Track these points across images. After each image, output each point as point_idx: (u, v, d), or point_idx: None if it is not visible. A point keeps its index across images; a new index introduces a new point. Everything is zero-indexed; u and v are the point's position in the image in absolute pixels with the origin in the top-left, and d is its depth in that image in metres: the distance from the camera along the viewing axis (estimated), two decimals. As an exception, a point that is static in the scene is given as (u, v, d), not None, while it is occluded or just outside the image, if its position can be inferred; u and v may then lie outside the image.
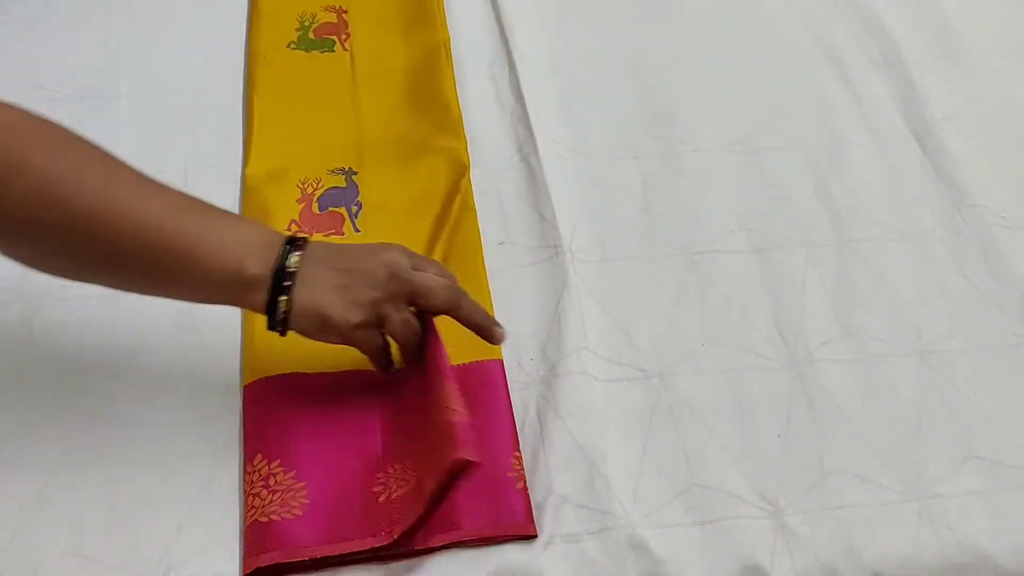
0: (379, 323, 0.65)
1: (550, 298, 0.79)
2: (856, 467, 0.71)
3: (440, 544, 0.65)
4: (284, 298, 0.62)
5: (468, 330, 0.69)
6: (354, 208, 0.83)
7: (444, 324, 0.70)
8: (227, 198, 0.82)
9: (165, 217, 0.61)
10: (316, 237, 0.78)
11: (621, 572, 0.65)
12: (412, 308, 0.67)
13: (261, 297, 0.62)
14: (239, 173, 0.85)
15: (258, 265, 0.62)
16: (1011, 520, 0.69)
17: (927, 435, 0.73)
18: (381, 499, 0.66)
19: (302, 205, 0.82)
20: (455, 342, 0.71)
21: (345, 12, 0.99)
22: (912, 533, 0.68)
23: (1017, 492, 0.70)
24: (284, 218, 0.81)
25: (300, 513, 0.65)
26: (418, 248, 0.77)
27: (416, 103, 0.92)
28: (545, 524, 0.67)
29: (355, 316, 0.63)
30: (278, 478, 0.66)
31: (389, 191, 0.84)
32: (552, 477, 0.69)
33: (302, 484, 0.66)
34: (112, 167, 0.61)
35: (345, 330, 0.64)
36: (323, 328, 0.64)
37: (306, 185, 0.84)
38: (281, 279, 0.62)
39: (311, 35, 0.97)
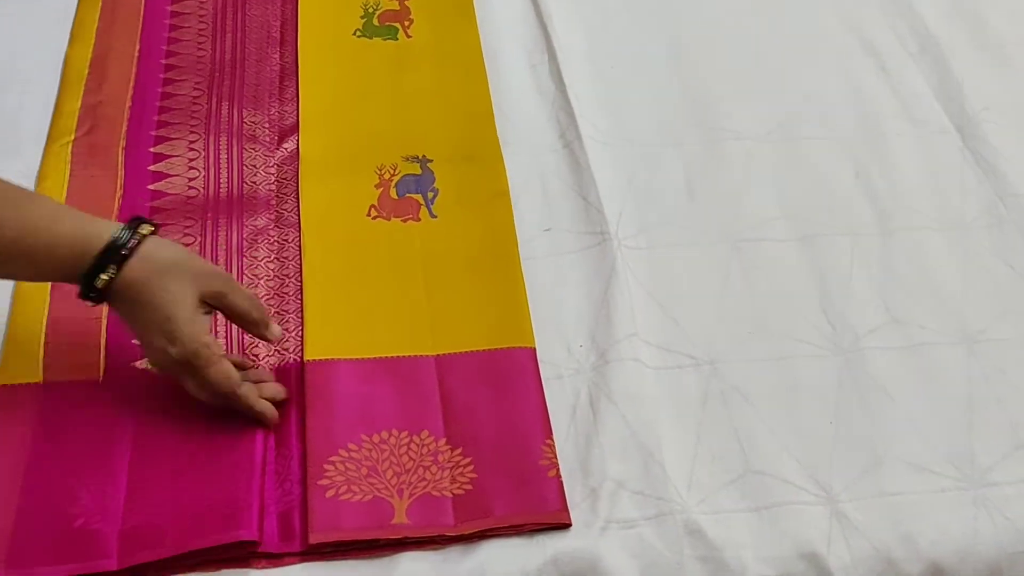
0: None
1: (598, 284, 0.79)
2: (908, 454, 0.71)
3: (471, 531, 0.65)
4: (102, 277, 0.63)
5: (499, 316, 0.73)
6: (430, 195, 0.84)
7: (471, 308, 0.73)
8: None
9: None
10: (394, 222, 0.82)
11: (678, 557, 0.65)
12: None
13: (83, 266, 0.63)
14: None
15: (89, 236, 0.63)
16: (1066, 507, 0.69)
17: (977, 422, 0.73)
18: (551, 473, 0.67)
19: (380, 191, 0.84)
20: (488, 326, 0.72)
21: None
22: (968, 521, 0.68)
23: (1070, 479, 0.70)
24: (364, 203, 0.83)
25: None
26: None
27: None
28: (601, 510, 0.66)
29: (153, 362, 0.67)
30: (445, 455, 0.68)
31: (461, 180, 0.85)
32: (607, 463, 0.68)
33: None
34: None
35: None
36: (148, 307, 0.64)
37: (383, 171, 0.85)
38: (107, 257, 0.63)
39: (375, 21, 0.97)
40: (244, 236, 0.81)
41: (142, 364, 0.72)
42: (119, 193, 0.82)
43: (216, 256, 0.79)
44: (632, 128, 0.91)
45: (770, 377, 0.75)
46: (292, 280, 0.78)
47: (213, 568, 0.63)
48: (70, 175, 0.83)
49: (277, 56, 0.95)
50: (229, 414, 0.68)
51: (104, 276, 0.63)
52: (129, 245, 0.63)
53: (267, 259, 0.80)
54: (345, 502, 0.65)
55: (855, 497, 0.69)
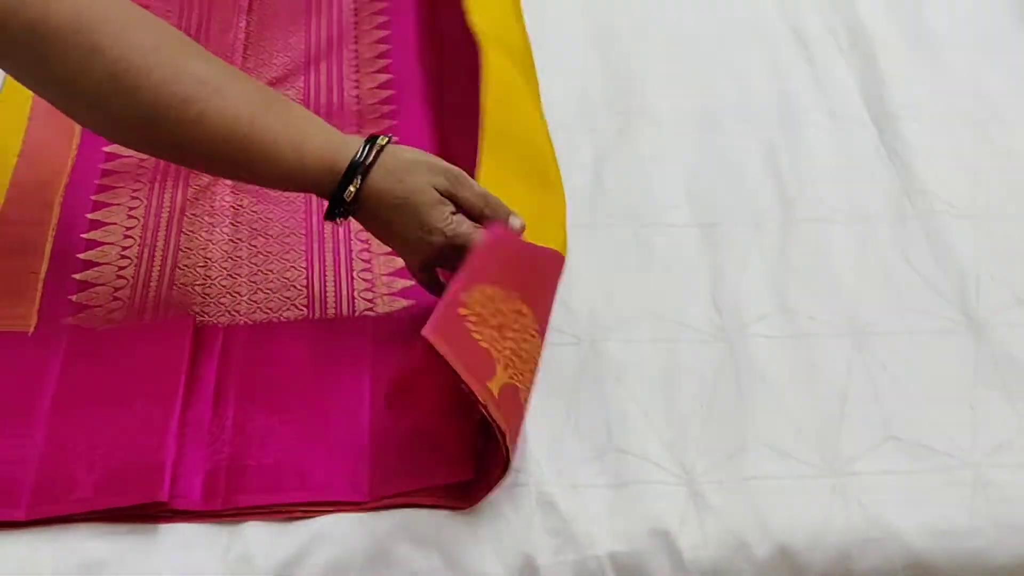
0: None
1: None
2: (775, 440, 0.71)
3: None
4: (351, 189, 0.67)
5: None
6: None
7: None
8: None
9: (239, 107, 0.65)
10: None
11: (528, 529, 0.66)
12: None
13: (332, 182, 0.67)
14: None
15: (334, 153, 0.67)
16: (924, 499, 0.69)
17: (850, 413, 0.73)
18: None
19: None
20: None
21: None
22: (823, 507, 0.68)
23: (933, 473, 0.70)
24: None
25: None
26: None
27: None
28: (459, 479, 0.67)
29: (410, 265, 0.71)
30: None
31: None
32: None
33: None
34: (183, 51, 0.65)
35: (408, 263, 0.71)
36: (399, 209, 0.67)
37: None
38: (353, 176, 0.67)
39: None
40: (187, 196, 0.83)
41: (72, 321, 0.74)
42: (73, 153, 0.86)
43: (159, 217, 0.82)
44: (549, 113, 0.91)
45: (649, 360, 0.75)
46: (245, 244, 0.80)
47: (126, 522, 0.64)
48: (26, 131, 0.86)
49: (243, 24, 0.97)
50: (153, 374, 0.70)
51: (351, 187, 0.67)
52: (369, 159, 0.67)
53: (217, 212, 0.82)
54: None
55: (715, 480, 0.69)
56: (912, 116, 0.93)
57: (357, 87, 0.94)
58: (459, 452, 0.66)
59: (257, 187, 0.82)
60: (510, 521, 0.66)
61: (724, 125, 0.93)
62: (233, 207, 0.83)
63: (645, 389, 0.74)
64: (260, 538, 0.64)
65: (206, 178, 0.84)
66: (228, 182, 0.84)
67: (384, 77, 0.95)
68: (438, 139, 0.89)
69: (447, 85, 0.93)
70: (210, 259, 0.79)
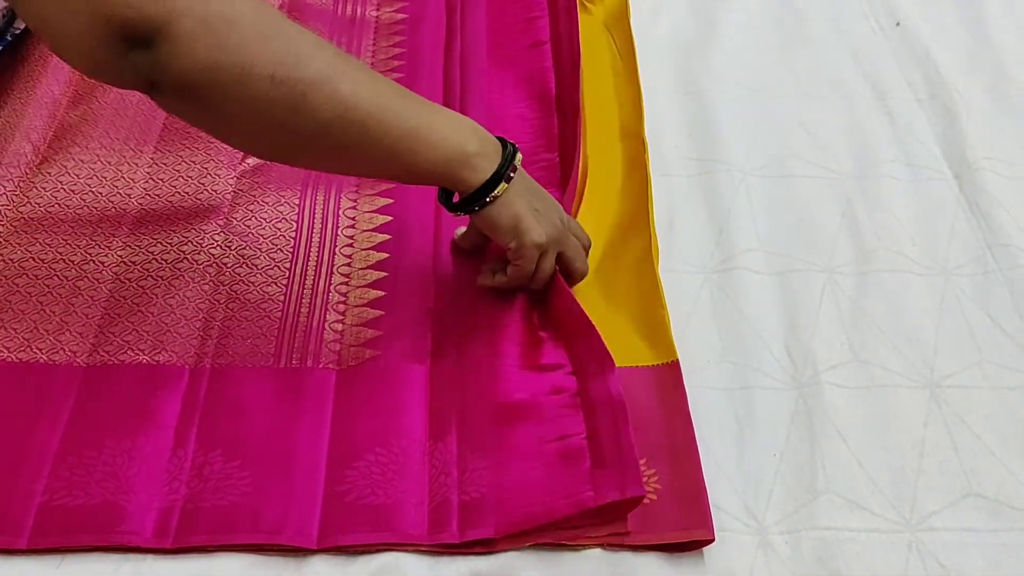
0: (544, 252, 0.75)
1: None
2: (849, 492, 0.70)
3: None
4: (503, 185, 0.71)
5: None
6: None
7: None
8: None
9: (390, 104, 0.67)
10: None
11: (596, 571, 0.65)
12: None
13: (478, 175, 0.71)
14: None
15: (478, 147, 0.71)
16: (1007, 560, 0.66)
17: (928, 468, 0.71)
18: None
19: None
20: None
21: None
22: (900, 562, 0.66)
23: (1016, 533, 0.68)
24: None
25: None
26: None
27: None
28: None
29: (540, 236, 0.73)
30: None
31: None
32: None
33: None
34: (341, 60, 0.66)
35: (528, 241, 0.73)
36: (513, 229, 0.73)
37: None
38: (506, 168, 0.71)
39: None
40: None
41: None
42: None
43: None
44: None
45: (722, 406, 0.75)
46: (225, 289, 0.80)
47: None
48: None
49: None
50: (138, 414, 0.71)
51: (495, 193, 0.72)
52: (511, 173, 0.72)
53: (207, 263, 0.81)
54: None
55: (786, 530, 0.68)
56: (993, 168, 0.92)
57: None
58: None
59: (245, 231, 0.84)
60: (577, 561, 0.65)
61: (799, 175, 0.92)
62: (217, 264, 0.82)
63: (716, 434, 0.73)
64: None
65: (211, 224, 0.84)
66: (218, 226, 0.84)
67: None
68: None
69: None
70: (188, 298, 0.79)
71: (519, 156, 0.73)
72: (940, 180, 0.92)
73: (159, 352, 0.76)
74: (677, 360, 0.75)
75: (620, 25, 1.03)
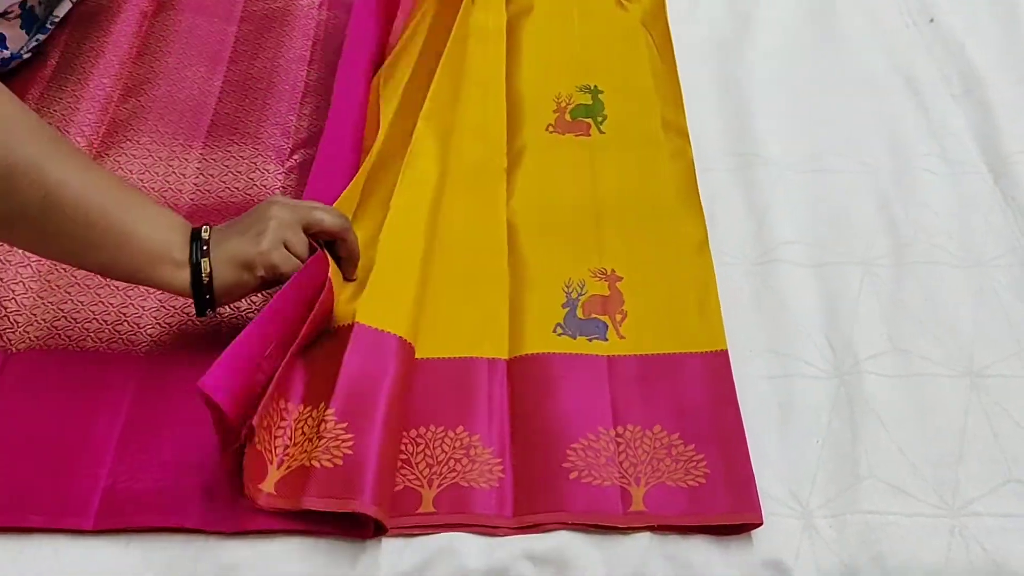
0: (286, 246, 0.71)
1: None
2: (891, 477, 0.71)
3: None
4: (205, 260, 0.69)
5: None
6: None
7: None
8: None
9: (105, 200, 0.67)
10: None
11: (644, 553, 0.67)
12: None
13: (186, 272, 0.69)
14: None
15: (181, 248, 0.69)
16: (1049, 545, 0.68)
17: (969, 455, 0.73)
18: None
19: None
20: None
21: None
22: (942, 547, 0.68)
23: (1057, 518, 0.69)
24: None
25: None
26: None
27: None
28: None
29: (264, 244, 0.69)
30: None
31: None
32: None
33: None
34: (55, 145, 0.66)
35: (261, 259, 0.69)
36: (246, 267, 0.69)
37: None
38: (198, 249, 0.69)
39: None
40: None
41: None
42: None
43: None
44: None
45: (764, 393, 0.76)
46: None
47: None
48: None
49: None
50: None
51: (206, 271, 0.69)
52: (204, 247, 0.70)
53: None
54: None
55: (830, 514, 0.70)
56: (1028, 162, 0.93)
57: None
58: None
59: None
60: (627, 544, 0.67)
61: (836, 169, 0.93)
62: None
63: (759, 421, 0.74)
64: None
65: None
66: None
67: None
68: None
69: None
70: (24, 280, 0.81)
71: (205, 230, 0.70)
72: (975, 174, 0.93)
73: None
74: (726, 349, 0.77)
75: (657, 23, 1.05)
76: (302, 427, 0.69)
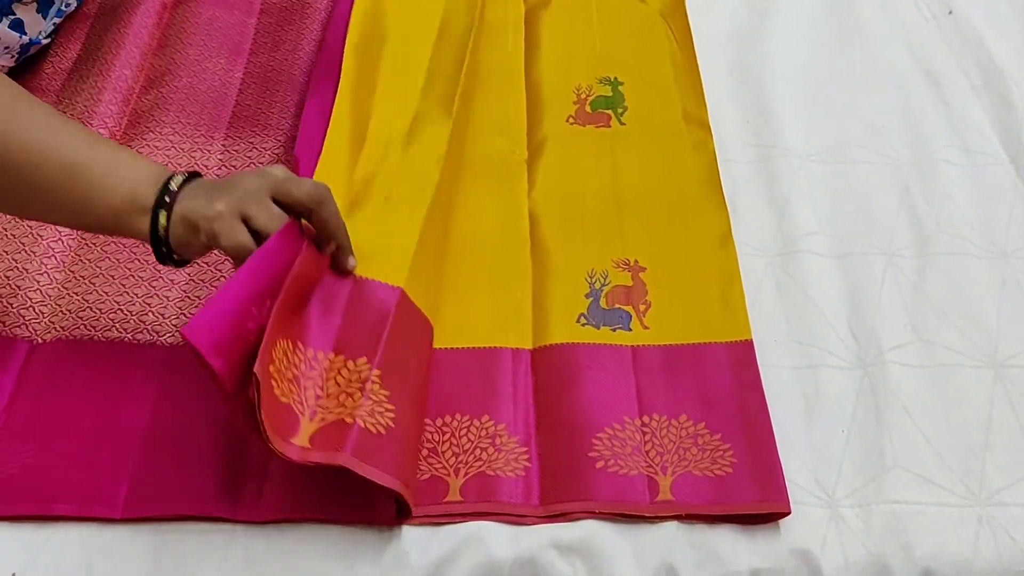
0: (244, 219, 0.65)
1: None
2: (917, 467, 0.71)
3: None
4: (163, 212, 0.65)
5: None
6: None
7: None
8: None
9: (70, 147, 0.65)
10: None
11: (672, 541, 0.68)
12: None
13: (146, 220, 0.65)
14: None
15: (148, 194, 0.65)
16: (1076, 534, 0.68)
17: (995, 445, 0.73)
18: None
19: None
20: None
21: None
22: (970, 536, 0.68)
23: (1084, 508, 0.69)
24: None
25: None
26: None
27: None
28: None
29: (213, 210, 0.64)
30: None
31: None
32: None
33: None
34: (15, 97, 0.65)
35: (204, 223, 0.64)
36: (192, 228, 0.65)
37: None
38: (162, 198, 0.65)
39: None
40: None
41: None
42: None
43: None
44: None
45: (789, 383, 0.76)
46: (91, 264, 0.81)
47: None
48: None
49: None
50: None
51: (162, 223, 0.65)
52: (166, 199, 0.66)
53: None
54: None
55: (857, 503, 0.70)
56: (1049, 153, 0.93)
57: None
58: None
59: None
60: (653, 533, 0.67)
61: (857, 160, 0.93)
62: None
63: (785, 411, 0.74)
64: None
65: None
66: None
67: None
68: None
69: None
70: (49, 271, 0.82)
71: (176, 180, 0.66)
72: (997, 165, 0.93)
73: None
74: (751, 339, 0.77)
75: (676, 15, 1.05)
76: (335, 377, 0.68)
